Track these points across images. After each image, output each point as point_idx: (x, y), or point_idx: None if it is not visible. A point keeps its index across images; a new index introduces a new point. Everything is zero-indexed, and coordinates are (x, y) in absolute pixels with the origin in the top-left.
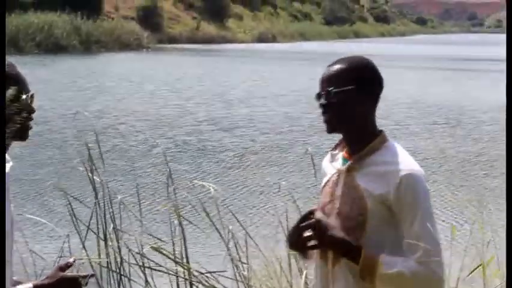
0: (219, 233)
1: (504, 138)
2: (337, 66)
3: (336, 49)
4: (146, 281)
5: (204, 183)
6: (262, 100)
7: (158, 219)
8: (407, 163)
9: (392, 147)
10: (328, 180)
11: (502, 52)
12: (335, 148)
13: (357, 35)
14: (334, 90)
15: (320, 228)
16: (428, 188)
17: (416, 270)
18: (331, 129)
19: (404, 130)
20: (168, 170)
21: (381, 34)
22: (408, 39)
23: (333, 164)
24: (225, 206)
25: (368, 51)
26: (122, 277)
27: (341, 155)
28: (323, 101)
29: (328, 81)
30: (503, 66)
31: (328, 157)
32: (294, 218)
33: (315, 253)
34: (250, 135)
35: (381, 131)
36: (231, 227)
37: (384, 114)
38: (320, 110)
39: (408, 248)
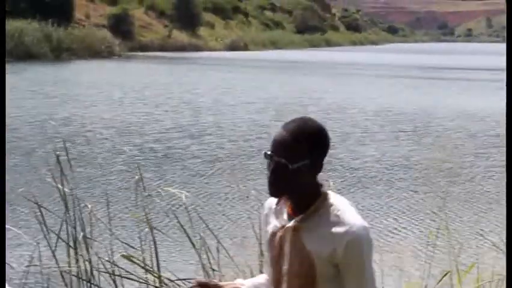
0: (191, 241)
1: (469, 145)
2: (286, 132)
3: (307, 57)
4: None
5: (174, 190)
6: (231, 108)
7: (128, 226)
8: (351, 222)
9: (335, 205)
10: (274, 234)
11: (472, 61)
12: (277, 203)
13: (328, 43)
14: (287, 166)
15: None
16: (372, 242)
17: None
18: (273, 193)
19: (371, 137)
20: (139, 176)
21: (353, 42)
22: (380, 47)
23: (279, 219)
24: (195, 214)
25: (339, 59)
26: (92, 286)
27: (285, 210)
28: (268, 163)
29: (277, 144)
30: (473, 74)
31: (271, 209)
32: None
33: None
34: (217, 143)
35: (321, 185)
36: (202, 235)
37: (352, 122)
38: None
39: None
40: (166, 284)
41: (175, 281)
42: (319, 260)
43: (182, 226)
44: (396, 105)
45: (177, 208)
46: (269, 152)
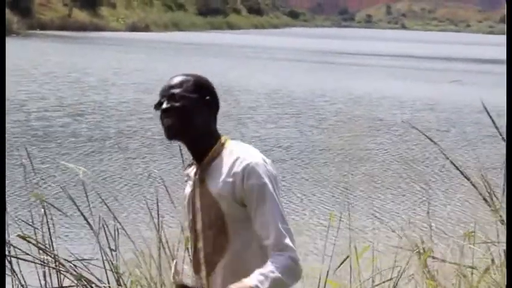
0: (86, 220)
1: (350, 127)
2: (180, 77)
3: (209, 40)
4: (13, 271)
5: (71, 165)
6: (118, 87)
7: (24, 206)
8: (247, 155)
9: (232, 146)
10: (188, 197)
11: (370, 46)
12: (186, 168)
13: (230, 26)
14: (179, 94)
15: None
16: (275, 173)
17: (282, 269)
18: (172, 135)
19: (257, 118)
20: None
21: (255, 26)
22: (280, 31)
23: (189, 182)
24: (92, 193)
25: (240, 42)
26: None
27: (193, 170)
28: (165, 105)
29: (171, 87)
30: (369, 60)
31: (185, 178)
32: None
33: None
34: (101, 122)
35: (219, 135)
36: (101, 214)
37: (237, 104)
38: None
39: (261, 235)
40: (63, 265)
41: (72, 262)
42: (224, 201)
43: (75, 203)
44: (287, 88)
45: (74, 186)
46: (158, 101)
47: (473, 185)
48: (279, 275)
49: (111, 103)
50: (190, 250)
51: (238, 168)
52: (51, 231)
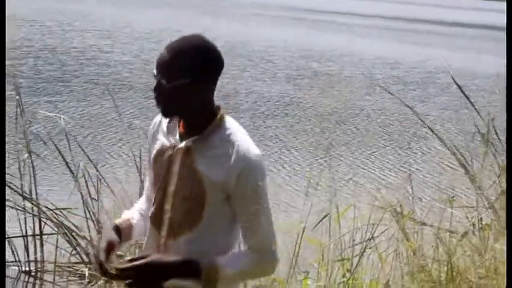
0: (69, 167)
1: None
2: (171, 53)
3: None
4: None
5: (53, 114)
6: None
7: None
8: (245, 150)
9: (229, 126)
10: (161, 152)
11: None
12: (170, 120)
13: None
14: (166, 85)
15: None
16: (265, 171)
17: (254, 262)
18: (165, 115)
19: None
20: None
21: None
22: None
23: (169, 138)
24: (76, 142)
25: None
26: None
27: (177, 128)
28: (155, 86)
29: (160, 69)
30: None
31: (161, 125)
32: None
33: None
34: None
35: (219, 108)
36: (81, 163)
37: None
38: None
39: (245, 236)
40: (44, 212)
41: (54, 210)
42: (211, 186)
43: (60, 152)
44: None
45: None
46: (153, 72)
47: (453, 153)
48: (250, 270)
49: None
50: (146, 200)
51: (236, 162)
52: (34, 179)
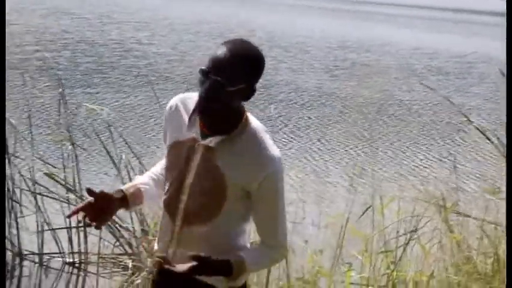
0: (112, 159)
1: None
2: (232, 56)
3: None
4: (38, 208)
5: (95, 106)
6: None
7: (51, 144)
8: (269, 154)
9: (256, 131)
10: (179, 143)
11: None
12: (193, 112)
13: None
14: (227, 87)
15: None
16: (284, 173)
17: (272, 258)
18: (205, 112)
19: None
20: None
21: None
22: None
23: (189, 129)
24: (118, 134)
25: None
26: (14, 203)
27: (197, 120)
28: (205, 82)
29: (218, 66)
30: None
31: (178, 111)
32: None
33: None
34: None
35: (243, 108)
36: (124, 156)
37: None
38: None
39: (262, 234)
40: None
41: None
42: (232, 185)
43: (102, 142)
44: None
45: (99, 127)
46: (206, 68)
47: (496, 146)
48: (267, 265)
49: None
50: (162, 187)
51: (261, 168)
52: (77, 170)
